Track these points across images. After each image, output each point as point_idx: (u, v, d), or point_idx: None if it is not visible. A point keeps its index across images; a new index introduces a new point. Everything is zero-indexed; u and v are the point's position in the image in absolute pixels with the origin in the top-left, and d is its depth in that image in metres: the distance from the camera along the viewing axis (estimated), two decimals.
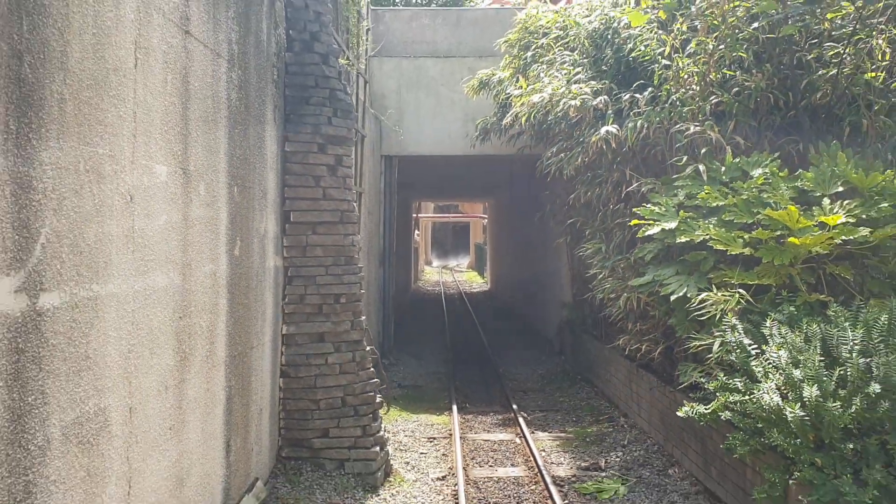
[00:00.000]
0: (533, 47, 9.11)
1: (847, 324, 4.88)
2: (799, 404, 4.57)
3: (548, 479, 6.61)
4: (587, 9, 8.75)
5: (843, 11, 6.77)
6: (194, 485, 4.54)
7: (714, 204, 6.21)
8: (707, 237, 5.86)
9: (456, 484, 6.59)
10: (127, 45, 3.57)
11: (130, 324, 3.66)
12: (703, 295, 5.62)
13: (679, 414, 5.48)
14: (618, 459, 7.26)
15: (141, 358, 3.78)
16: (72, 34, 3.10)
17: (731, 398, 5.03)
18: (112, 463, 3.51)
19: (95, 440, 3.35)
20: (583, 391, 10.39)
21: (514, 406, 9.45)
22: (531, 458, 7.40)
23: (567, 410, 9.48)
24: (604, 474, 6.89)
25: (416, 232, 34.61)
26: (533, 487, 6.67)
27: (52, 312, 2.99)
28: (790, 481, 4.73)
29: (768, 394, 4.73)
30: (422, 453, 7.63)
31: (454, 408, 9.39)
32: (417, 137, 12.55)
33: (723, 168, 6.69)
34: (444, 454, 7.63)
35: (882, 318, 4.84)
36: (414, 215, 31.88)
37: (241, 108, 5.25)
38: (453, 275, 39.76)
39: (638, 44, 7.60)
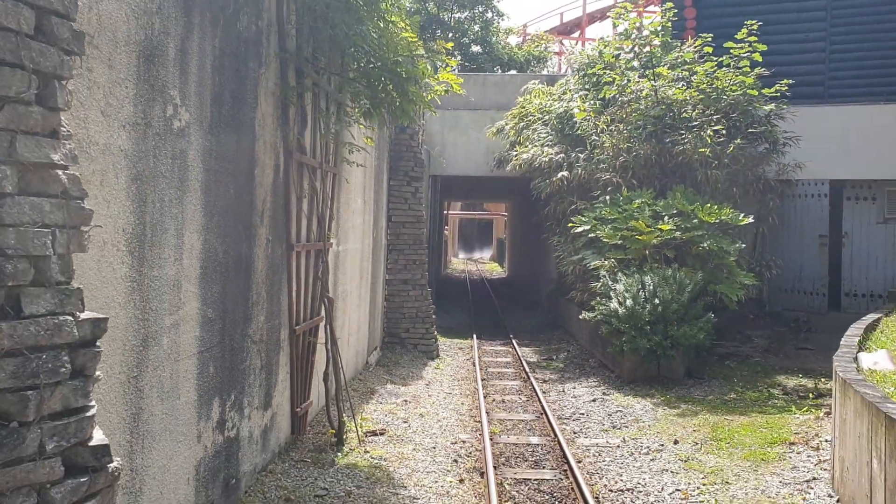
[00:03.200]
0: (525, 119, 15.02)
1: (651, 272, 10.73)
2: (624, 308, 10.43)
3: (523, 361, 12.51)
4: (557, 97, 14.64)
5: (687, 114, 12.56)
6: (362, 334, 10.53)
7: (610, 217, 12.05)
8: (601, 233, 11.71)
9: (474, 361, 12.53)
10: (356, 187, 9.53)
11: (350, 261, 9.64)
12: (595, 262, 11.50)
13: (580, 317, 11.37)
14: (563, 356, 13.15)
15: (353, 273, 9.76)
16: (345, 192, 9.07)
17: (601, 308, 10.91)
18: (346, 309, 9.49)
19: (346, 299, 9.33)
20: (556, 332, 16.25)
21: (511, 336, 15.36)
22: (516, 354, 13.31)
23: (543, 340, 15.37)
24: (553, 361, 12.78)
25: (445, 227, 40.47)
26: (514, 363, 12.60)
27: (340, 252, 8.97)
28: (623, 342, 10.57)
29: (614, 304, 10.59)
30: (455, 353, 13.57)
31: (474, 336, 15.30)
32: (453, 163, 18.41)
33: (621, 198, 12.51)
34: (467, 353, 13.56)
35: (668, 272, 10.71)
36: (444, 212, 37.75)
37: (378, 170, 11.22)
38: (477, 265, 45.63)
39: (582, 125, 13.45)
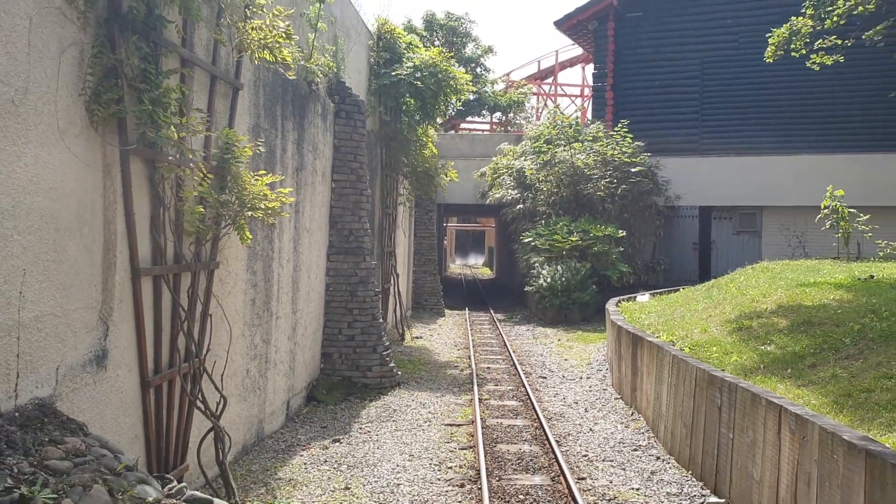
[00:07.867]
0: (497, 170, 23.77)
1: (562, 264, 19.48)
2: (546, 283, 19.16)
3: (495, 319, 21.21)
4: (517, 157, 23.39)
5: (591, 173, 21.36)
6: (404, 299, 19.25)
7: (543, 233, 20.76)
8: (538, 243, 20.43)
9: (466, 318, 21.24)
10: (403, 220, 18.29)
11: (399, 257, 18.37)
12: (534, 259, 20.24)
13: (525, 290, 20.12)
14: (518, 317, 21.85)
15: (400, 264, 18.49)
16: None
17: (535, 284, 19.64)
18: (398, 283, 18.21)
19: (398, 278, 18.06)
20: (519, 307, 24.93)
21: (491, 309, 24.08)
22: (492, 317, 22.01)
23: (510, 310, 24.06)
24: (512, 318, 21.49)
25: (445, 238, 49.08)
26: (489, 320, 21.32)
27: (395, 253, 17.70)
28: (546, 302, 19.28)
29: (542, 281, 19.32)
30: (454, 316, 22.27)
31: (467, 309, 23.98)
32: (452, 195, 27.11)
33: (551, 222, 21.23)
34: (462, 316, 22.26)
35: (573, 264, 19.48)
36: (444, 225, 46.41)
37: (410, 206, 19.98)
38: (471, 270, 54.35)
39: (530, 177, 22.22)
